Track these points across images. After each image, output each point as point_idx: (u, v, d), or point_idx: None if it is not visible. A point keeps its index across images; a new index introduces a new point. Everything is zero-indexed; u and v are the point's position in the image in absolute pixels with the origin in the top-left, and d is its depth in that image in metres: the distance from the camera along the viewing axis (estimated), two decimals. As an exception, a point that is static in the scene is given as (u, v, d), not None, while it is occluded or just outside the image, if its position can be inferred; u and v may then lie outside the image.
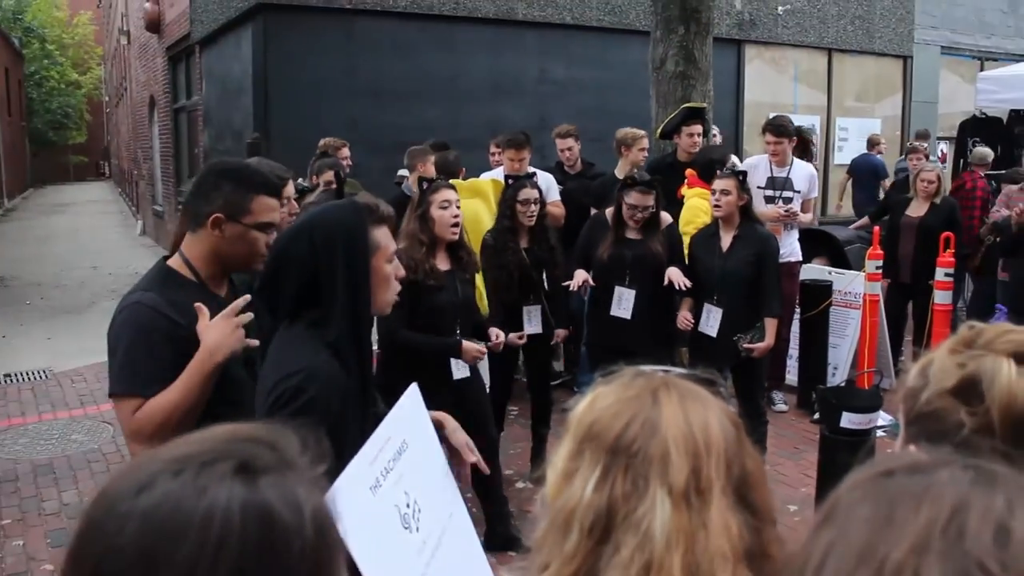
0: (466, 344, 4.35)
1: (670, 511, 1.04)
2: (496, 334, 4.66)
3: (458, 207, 4.41)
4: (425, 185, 4.47)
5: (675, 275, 5.08)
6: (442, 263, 4.43)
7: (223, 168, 2.61)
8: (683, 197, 6.25)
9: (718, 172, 5.56)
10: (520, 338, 5.07)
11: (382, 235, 2.33)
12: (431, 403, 2.43)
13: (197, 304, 2.36)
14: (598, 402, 1.14)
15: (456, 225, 4.39)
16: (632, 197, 5.00)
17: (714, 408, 1.13)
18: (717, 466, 1.07)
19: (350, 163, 7.43)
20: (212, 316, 2.38)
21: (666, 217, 5.34)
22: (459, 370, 4.46)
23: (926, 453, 0.77)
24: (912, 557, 0.64)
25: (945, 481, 0.69)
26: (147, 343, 2.34)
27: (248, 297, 2.39)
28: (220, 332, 2.33)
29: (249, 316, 2.37)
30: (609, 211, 5.26)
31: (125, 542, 0.75)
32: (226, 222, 2.44)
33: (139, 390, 2.32)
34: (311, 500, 0.82)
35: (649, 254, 5.08)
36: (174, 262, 2.50)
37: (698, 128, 6.77)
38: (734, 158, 6.34)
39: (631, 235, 5.12)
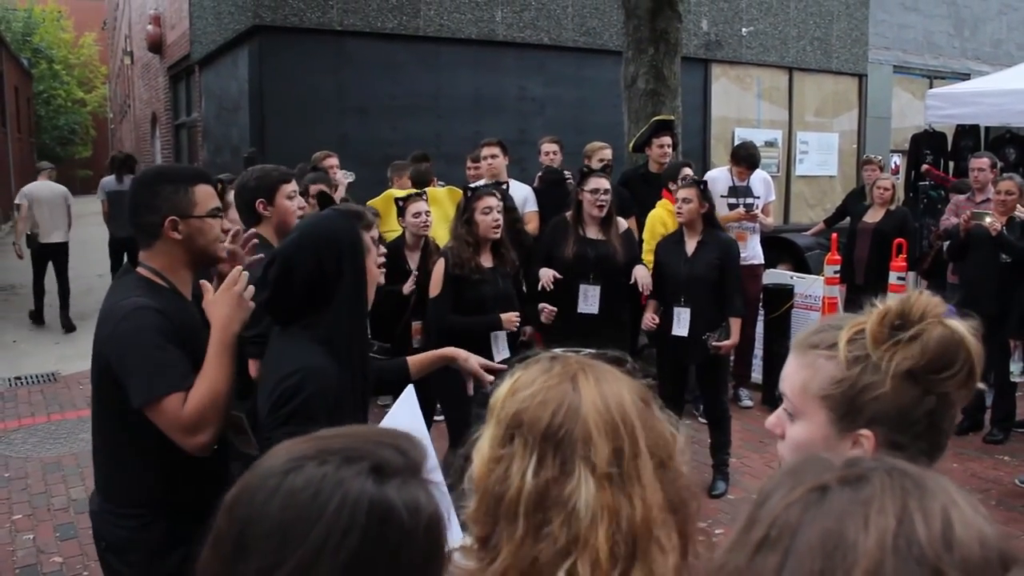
0: (504, 315, 4.52)
1: (594, 489, 1.05)
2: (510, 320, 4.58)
3: (499, 212, 4.58)
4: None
5: (642, 276, 5.10)
6: (486, 260, 4.61)
7: (150, 176, 2.50)
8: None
9: (678, 182, 5.63)
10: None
11: (368, 238, 2.37)
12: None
13: (202, 281, 2.37)
14: (521, 389, 1.14)
15: (497, 226, 4.56)
16: (590, 183, 5.10)
17: (626, 386, 1.14)
18: (635, 442, 1.09)
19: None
20: (185, 315, 2.37)
21: (622, 222, 5.37)
22: (499, 352, 4.53)
23: (848, 458, 0.74)
24: None
25: (880, 493, 0.66)
26: (166, 341, 2.27)
27: (241, 270, 2.39)
28: (228, 304, 2.30)
29: (250, 289, 2.34)
30: (569, 214, 5.28)
31: (270, 513, 0.82)
32: (181, 221, 2.38)
33: (178, 385, 2.23)
34: (429, 507, 0.88)
35: (611, 252, 5.13)
36: (144, 273, 2.42)
37: (667, 139, 6.80)
38: (686, 170, 6.27)
39: (592, 235, 5.16)
